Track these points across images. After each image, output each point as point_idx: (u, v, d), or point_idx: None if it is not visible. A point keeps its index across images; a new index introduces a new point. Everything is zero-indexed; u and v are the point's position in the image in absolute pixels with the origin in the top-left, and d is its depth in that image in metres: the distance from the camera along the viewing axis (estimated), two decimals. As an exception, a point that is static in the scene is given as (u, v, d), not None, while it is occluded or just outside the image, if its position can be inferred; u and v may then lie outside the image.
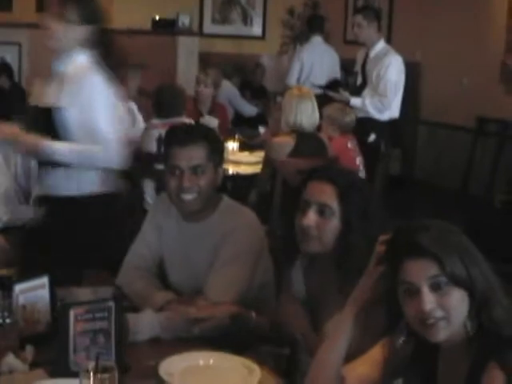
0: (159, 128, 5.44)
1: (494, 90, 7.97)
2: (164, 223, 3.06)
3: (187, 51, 8.52)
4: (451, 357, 1.95)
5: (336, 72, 8.06)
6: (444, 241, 1.89)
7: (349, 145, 5.73)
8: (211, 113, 6.70)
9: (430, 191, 8.38)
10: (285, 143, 5.36)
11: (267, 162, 5.38)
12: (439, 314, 1.87)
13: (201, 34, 9.66)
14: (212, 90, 6.86)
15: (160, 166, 5.19)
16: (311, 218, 2.43)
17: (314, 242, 2.44)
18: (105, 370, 1.85)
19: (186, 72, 8.20)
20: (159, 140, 5.36)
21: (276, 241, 2.98)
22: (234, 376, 2.29)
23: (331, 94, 6.85)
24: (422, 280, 1.87)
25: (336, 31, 9.92)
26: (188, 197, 2.88)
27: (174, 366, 2.30)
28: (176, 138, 2.95)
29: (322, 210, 2.43)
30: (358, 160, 5.73)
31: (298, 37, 9.87)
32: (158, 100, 5.68)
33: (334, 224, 2.43)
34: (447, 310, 1.87)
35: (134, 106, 6.41)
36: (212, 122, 6.09)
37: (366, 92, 6.61)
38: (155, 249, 3.07)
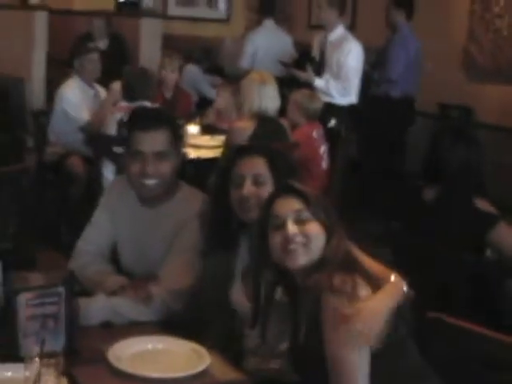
0: (123, 111, 5.42)
1: (456, 77, 8.02)
2: (118, 206, 3.05)
3: (151, 34, 8.44)
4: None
5: (290, 55, 7.98)
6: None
7: (314, 134, 5.74)
8: (174, 97, 6.67)
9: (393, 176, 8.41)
10: (246, 128, 5.36)
11: (228, 146, 5.37)
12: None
13: (164, 16, 9.59)
14: (177, 75, 6.83)
15: (119, 149, 5.20)
16: (249, 188, 2.61)
17: (254, 210, 2.58)
18: (50, 355, 1.86)
19: (149, 55, 8.14)
20: (120, 123, 5.35)
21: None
22: (182, 360, 2.30)
23: (296, 73, 6.84)
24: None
25: (300, 15, 9.91)
26: (150, 182, 2.87)
27: (123, 350, 2.31)
28: (139, 122, 2.92)
29: (257, 180, 2.62)
30: (322, 149, 5.75)
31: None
32: (128, 82, 5.66)
33: (268, 190, 2.59)
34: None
35: (100, 89, 6.39)
36: None
37: (328, 76, 6.62)
38: (108, 234, 3.06)
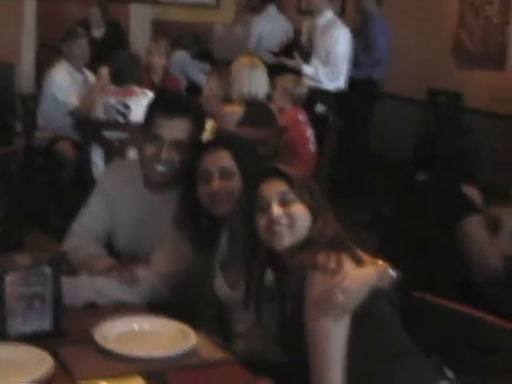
0: (111, 95, 5.42)
1: (446, 63, 8.03)
2: (117, 191, 3.01)
3: (140, 19, 8.43)
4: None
5: (280, 42, 7.97)
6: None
7: (300, 117, 5.74)
8: (163, 82, 6.68)
9: (382, 163, 8.42)
10: (235, 112, 5.37)
11: (217, 131, 5.37)
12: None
13: (155, 1, 9.55)
14: (164, 60, 6.82)
15: (109, 134, 5.20)
16: (217, 183, 2.61)
17: (225, 203, 2.60)
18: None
19: (139, 40, 8.12)
20: (106, 107, 5.36)
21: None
22: (169, 341, 2.31)
23: (285, 61, 6.86)
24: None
25: (290, 0, 9.88)
26: (162, 168, 2.85)
27: (109, 330, 2.32)
28: (166, 107, 2.87)
29: (224, 173, 2.62)
30: (309, 132, 5.76)
31: (254, 6, 9.79)
32: (116, 66, 5.64)
33: (235, 181, 2.61)
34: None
35: (89, 74, 6.38)
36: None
37: (316, 62, 6.64)
38: (103, 220, 3.03)
